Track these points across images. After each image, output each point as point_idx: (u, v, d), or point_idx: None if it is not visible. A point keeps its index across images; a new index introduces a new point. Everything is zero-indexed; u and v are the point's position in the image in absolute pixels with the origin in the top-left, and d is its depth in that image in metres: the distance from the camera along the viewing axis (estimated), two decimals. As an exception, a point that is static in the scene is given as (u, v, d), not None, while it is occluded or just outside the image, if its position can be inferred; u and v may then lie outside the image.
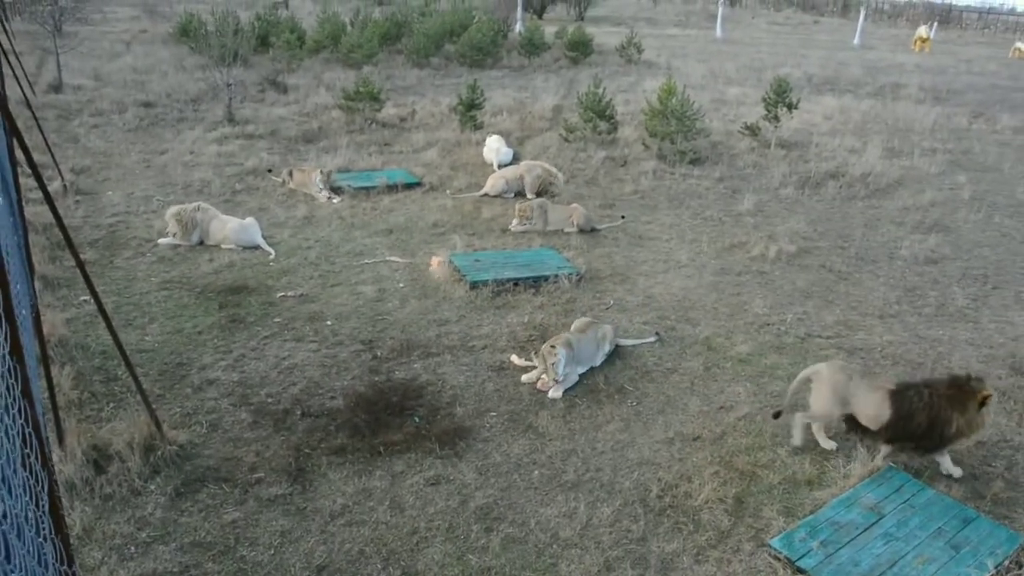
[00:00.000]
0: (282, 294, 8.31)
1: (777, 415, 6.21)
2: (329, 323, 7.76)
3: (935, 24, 52.78)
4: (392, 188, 11.95)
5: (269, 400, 6.39)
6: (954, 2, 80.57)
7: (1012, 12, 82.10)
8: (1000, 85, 28.68)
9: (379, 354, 7.22)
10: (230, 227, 9.58)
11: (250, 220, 9.83)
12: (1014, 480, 5.91)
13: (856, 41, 43.22)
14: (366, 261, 9.32)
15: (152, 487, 5.32)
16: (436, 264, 9.02)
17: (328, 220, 10.69)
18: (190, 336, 7.38)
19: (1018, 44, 44.46)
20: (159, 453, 5.53)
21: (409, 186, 12.15)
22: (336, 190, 11.67)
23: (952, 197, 13.33)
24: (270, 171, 12.53)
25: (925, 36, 43.46)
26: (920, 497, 5.51)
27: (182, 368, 6.83)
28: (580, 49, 27.37)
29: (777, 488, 5.64)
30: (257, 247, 9.55)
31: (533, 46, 26.82)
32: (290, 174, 11.88)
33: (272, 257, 9.32)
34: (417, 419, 6.22)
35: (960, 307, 9.02)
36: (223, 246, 9.51)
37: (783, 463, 5.91)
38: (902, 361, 7.59)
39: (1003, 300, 9.30)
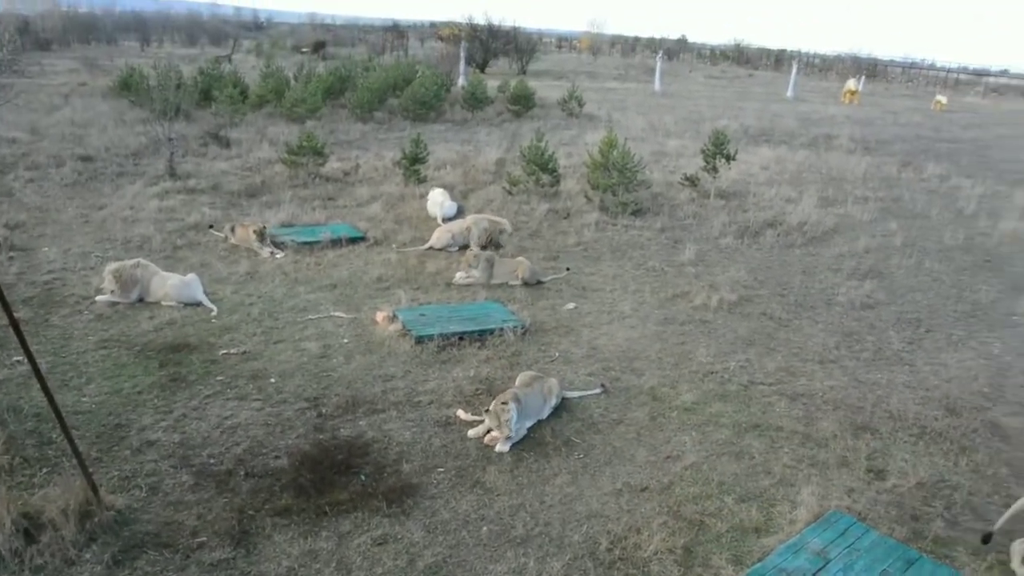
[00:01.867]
0: (224, 352, 8.21)
1: (987, 539, 5.71)
2: (273, 381, 7.67)
3: (863, 77, 54.67)
4: (336, 243, 11.93)
5: (211, 461, 6.28)
6: (879, 57, 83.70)
7: (932, 67, 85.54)
8: (924, 135, 29.79)
9: (324, 411, 7.15)
10: (171, 284, 9.46)
11: (191, 276, 9.73)
12: (953, 519, 6.06)
13: (789, 94, 44.60)
14: (310, 317, 9.26)
15: (88, 556, 5.16)
16: (381, 319, 9.01)
17: (271, 275, 10.62)
18: (129, 396, 7.24)
19: (939, 97, 46.32)
20: (95, 519, 5.37)
21: (353, 240, 12.14)
22: (279, 245, 11.61)
23: (885, 244, 13.75)
24: (211, 227, 12.43)
25: (854, 89, 45.05)
26: (865, 540, 5.60)
27: (120, 430, 6.68)
28: (522, 103, 27.78)
29: (725, 536, 5.69)
30: (199, 304, 9.43)
31: (476, 100, 27.15)
32: (232, 229, 11.79)
33: (214, 314, 9.21)
34: (363, 477, 6.17)
35: (896, 351, 9.26)
36: (164, 303, 9.37)
37: (730, 511, 5.97)
38: (842, 406, 7.75)
39: (936, 343, 9.58)
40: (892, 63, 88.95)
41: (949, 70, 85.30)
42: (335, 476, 6.15)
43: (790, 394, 7.96)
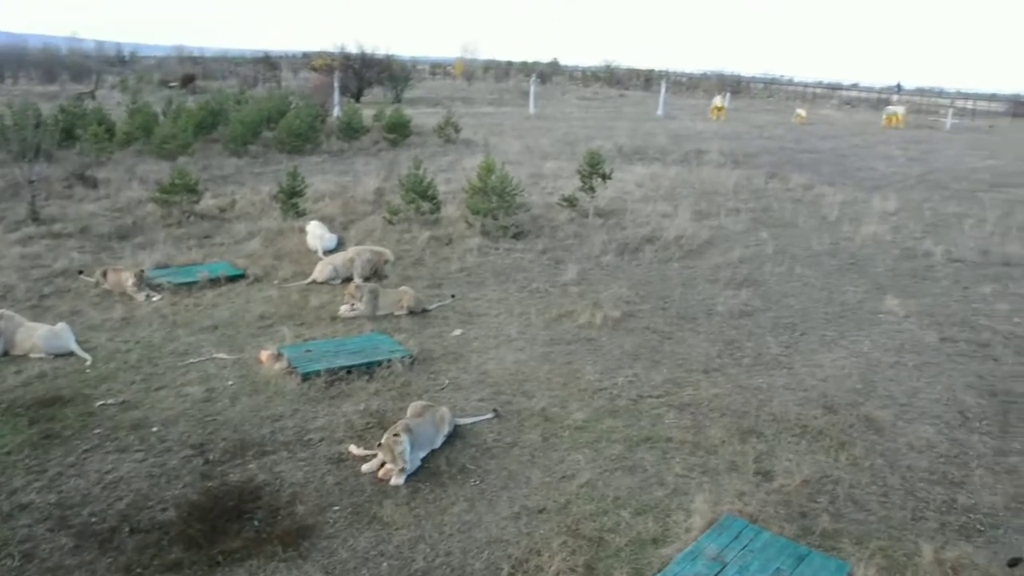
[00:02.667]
0: (102, 403, 7.86)
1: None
2: (155, 429, 7.39)
3: (728, 94, 56.92)
4: (215, 282, 11.61)
5: (93, 519, 5.99)
6: (742, 74, 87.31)
7: (791, 82, 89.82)
8: (788, 148, 31.20)
9: (211, 457, 6.93)
10: (39, 334, 9.01)
11: (61, 325, 9.29)
12: (838, 512, 6.32)
13: (660, 112, 46.03)
14: (192, 360, 8.97)
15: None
16: (266, 358, 8.81)
17: (148, 320, 10.25)
18: (-1, 457, 6.85)
19: (798, 110, 48.69)
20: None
21: (232, 279, 11.86)
22: (155, 287, 11.23)
23: (758, 253, 14.30)
24: (81, 272, 11.92)
25: (720, 105, 46.86)
26: (757, 541, 5.78)
27: (-10, 494, 6.31)
28: (399, 131, 27.76)
29: (624, 550, 5.77)
30: (71, 354, 9.01)
31: (352, 130, 26.99)
32: (104, 274, 11.34)
33: (88, 363, 8.82)
34: (257, 522, 6.00)
35: (775, 355, 9.63)
36: (32, 355, 8.92)
37: (628, 524, 6.07)
38: (728, 412, 7.99)
39: (811, 345, 10.00)
40: (754, 79, 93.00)
41: (806, 85, 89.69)
42: (227, 524, 5.96)
43: (678, 405, 8.16)
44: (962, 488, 6.77)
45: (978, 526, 6.23)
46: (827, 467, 7.01)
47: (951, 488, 6.76)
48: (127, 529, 5.87)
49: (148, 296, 10.96)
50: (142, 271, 11.36)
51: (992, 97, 73.69)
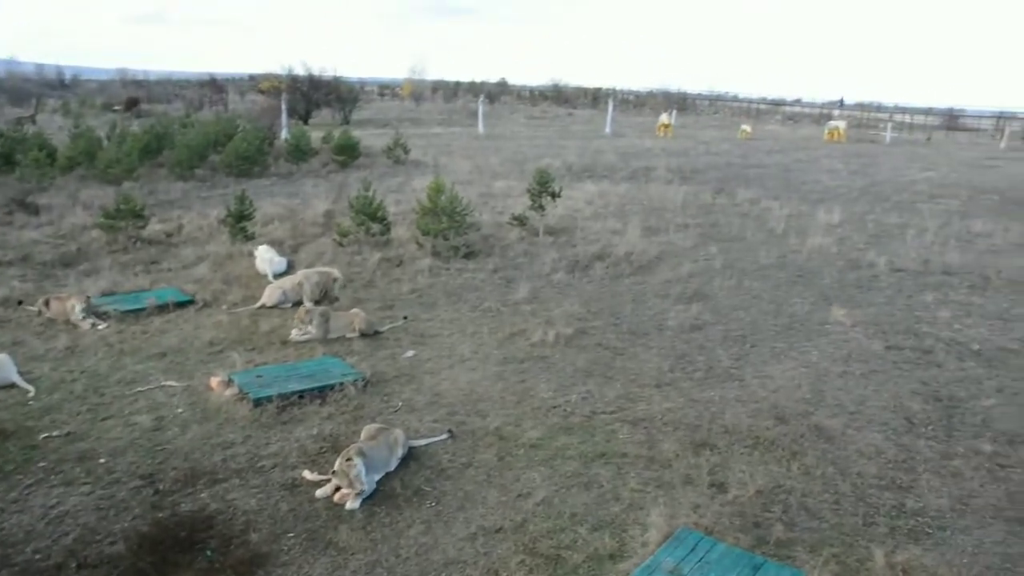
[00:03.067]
0: (46, 435, 7.68)
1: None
2: (103, 461, 7.23)
3: (675, 111, 57.66)
4: (163, 308, 11.43)
5: (37, 556, 5.83)
6: (688, 91, 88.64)
7: (736, 98, 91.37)
8: (734, 163, 31.69)
9: (161, 488, 6.80)
10: (-21, 366, 8.80)
11: (3, 356, 9.04)
12: (791, 521, 6.40)
13: (608, 130, 46.45)
14: (140, 389, 8.81)
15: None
16: (216, 384, 8.68)
17: (94, 348, 10.05)
18: (-61, 495, 6.65)
19: (744, 126, 49.51)
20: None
21: (181, 305, 11.69)
22: (101, 315, 11.02)
23: (707, 267, 14.47)
24: (20, 303, 11.64)
25: (667, 122, 47.47)
26: (713, 552, 5.83)
27: (-70, 533, 6.12)
28: (348, 153, 27.62)
29: (582, 567, 5.78)
30: (12, 385, 8.78)
31: (300, 152, 26.81)
32: (46, 303, 11.10)
33: (31, 395, 8.60)
34: (209, 553, 5.90)
35: (726, 368, 9.74)
36: (-28, 389, 8.70)
37: (585, 541, 6.08)
38: (681, 426, 8.06)
39: (761, 356, 10.14)
40: (700, 96, 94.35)
41: (751, 101, 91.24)
42: (178, 555, 5.85)
43: (631, 420, 8.21)
44: (910, 492, 6.90)
45: (926, 529, 6.36)
46: (780, 477, 7.10)
47: (900, 493, 6.89)
48: (74, 565, 5.73)
49: (94, 324, 10.75)
50: (88, 297, 11.15)
51: (928, 111, 75.60)
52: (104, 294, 12.13)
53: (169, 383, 8.96)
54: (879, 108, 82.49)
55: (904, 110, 76.77)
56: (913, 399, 8.87)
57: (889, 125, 54.84)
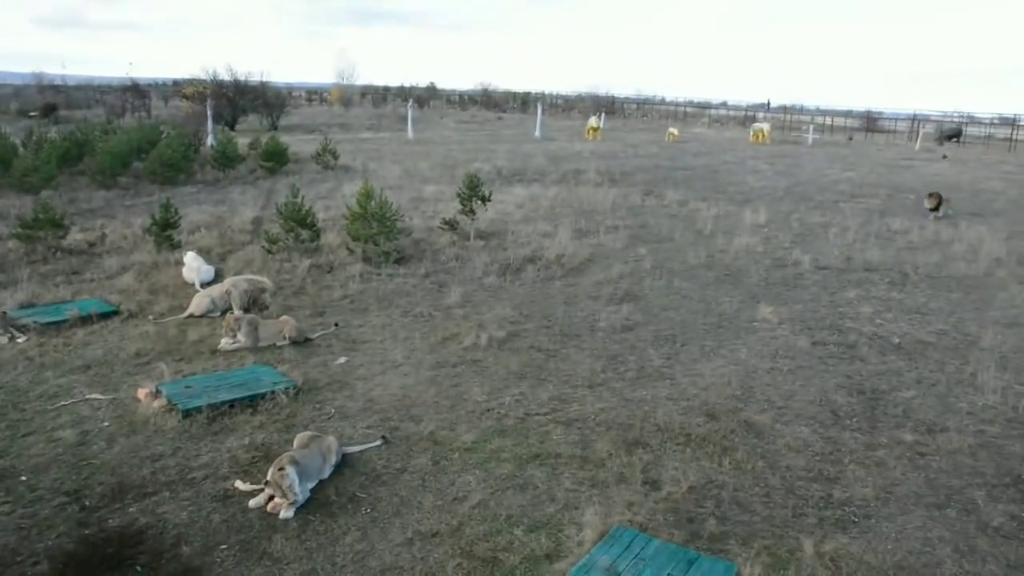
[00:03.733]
0: (-36, 453, 7.42)
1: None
2: (24, 478, 7.00)
3: (603, 114, 58.24)
4: (86, 320, 11.12)
5: (-43, 578, 5.65)
6: (616, 94, 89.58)
7: (663, 102, 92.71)
8: (662, 165, 32.15)
9: (87, 503, 6.62)
10: None
11: (-83, 374, 8.74)
12: (723, 516, 6.52)
13: (537, 134, 46.69)
14: (63, 403, 8.55)
15: None
16: (143, 396, 8.49)
17: (13, 363, 9.72)
18: None
19: (671, 129, 50.25)
20: None
21: (105, 315, 11.38)
22: (20, 328, 10.67)
23: (637, 268, 14.65)
24: (-63, 316, 11.22)
25: (596, 126, 47.91)
26: (648, 549, 5.91)
27: None
28: (276, 159, 27.26)
29: (519, 568, 5.80)
30: (-72, 403, 8.48)
31: (227, 159, 26.37)
32: (-38, 317, 10.72)
33: (-52, 412, 8.31)
34: (139, 568, 5.76)
35: (657, 367, 9.86)
36: None
37: (521, 542, 6.10)
38: (614, 425, 8.13)
39: (691, 355, 10.30)
40: (628, 100, 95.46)
41: (678, 104, 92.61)
42: (106, 572, 5.70)
43: (565, 421, 8.26)
44: (837, 483, 7.09)
45: (852, 518, 6.54)
46: (712, 472, 7.22)
47: (827, 484, 7.07)
48: (-4, 585, 5.55)
49: (12, 338, 10.41)
50: (4, 312, 10.79)
51: (848, 113, 77.78)
52: (23, 306, 11.75)
53: (94, 396, 8.72)
54: (801, 110, 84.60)
55: (825, 112, 78.87)
56: (838, 392, 9.11)
57: (811, 127, 56.23)
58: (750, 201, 22.72)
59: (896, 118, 72.14)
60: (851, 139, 56.43)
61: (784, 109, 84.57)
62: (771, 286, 13.70)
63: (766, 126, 51.74)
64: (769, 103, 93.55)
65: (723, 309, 12.28)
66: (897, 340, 10.98)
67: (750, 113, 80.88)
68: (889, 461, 7.52)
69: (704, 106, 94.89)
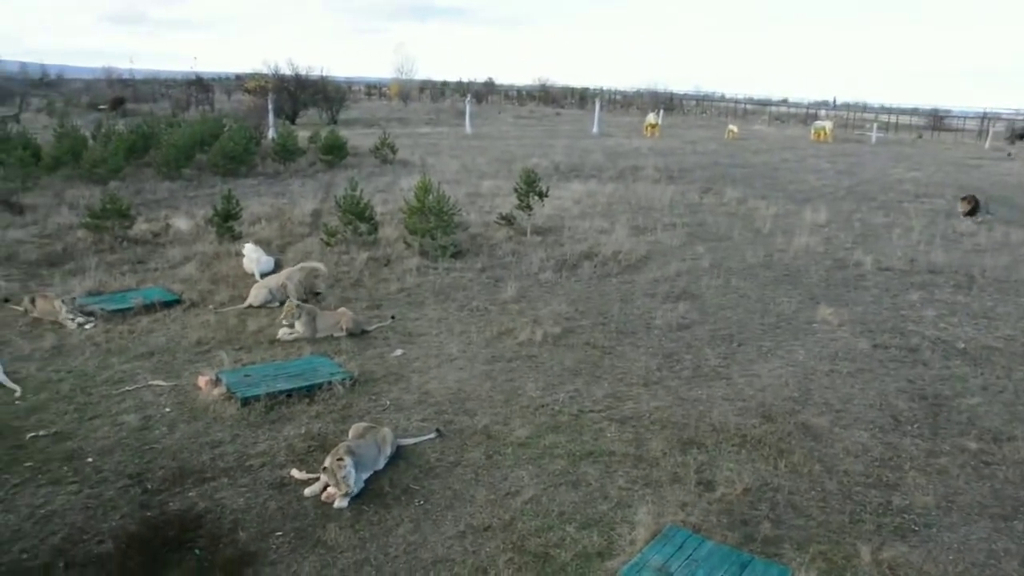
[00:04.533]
0: (33, 434, 7.64)
1: None
2: (90, 460, 7.21)
3: (662, 111, 57.76)
4: (150, 308, 11.38)
5: (24, 556, 5.81)
6: (675, 91, 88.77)
7: (722, 98, 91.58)
8: (721, 162, 31.78)
9: (149, 487, 6.79)
10: (-35, 367, 8.75)
11: (-11, 357, 9.04)
12: (778, 519, 6.44)
13: (595, 130, 46.45)
14: (127, 388, 8.78)
15: None
16: (204, 384, 8.66)
17: (81, 348, 10.00)
18: (-77, 495, 6.61)
19: (731, 126, 49.65)
20: None
21: (168, 304, 11.64)
22: (88, 314, 10.96)
23: (694, 266, 14.52)
24: (7, 300, 11.58)
25: (654, 122, 47.51)
26: (701, 550, 5.86)
27: (-86, 535, 6.08)
28: (335, 152, 27.55)
29: (570, 565, 5.80)
30: (-1, 385, 8.77)
31: (287, 152, 26.73)
32: (32, 301, 11.05)
33: (18, 395, 8.56)
34: (198, 552, 5.89)
35: (713, 367, 9.77)
36: (-42, 388, 8.65)
37: (573, 539, 6.10)
38: (669, 424, 8.09)
39: (748, 356, 10.18)
40: (687, 96, 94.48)
41: (737, 101, 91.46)
42: (167, 554, 5.84)
43: (619, 418, 8.23)
44: (896, 490, 6.95)
45: (912, 526, 6.41)
46: (767, 475, 7.14)
47: (886, 490, 6.94)
48: (62, 564, 5.71)
49: (81, 324, 10.69)
50: (73, 297, 11.10)
51: (914, 111, 76.06)
52: (90, 294, 12.07)
53: (156, 382, 8.93)
54: (865, 108, 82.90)
55: (890, 110, 77.17)
56: (899, 397, 8.93)
57: (875, 125, 55.14)
58: (810, 200, 22.35)
59: (965, 116, 70.36)
60: (920, 137, 55.19)
61: (847, 107, 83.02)
62: (831, 287, 13.47)
63: (828, 124, 50.84)
64: (835, 100, 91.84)
65: (781, 309, 12.12)
66: (962, 345, 10.72)
67: (812, 111, 79.53)
68: (952, 469, 7.35)
69: (764, 103, 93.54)
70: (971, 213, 20.24)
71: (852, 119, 69.75)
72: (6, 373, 8.95)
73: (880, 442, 7.84)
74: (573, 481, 6.98)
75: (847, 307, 12.22)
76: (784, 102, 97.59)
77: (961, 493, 6.95)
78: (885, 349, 10.50)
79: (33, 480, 6.86)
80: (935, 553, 6.04)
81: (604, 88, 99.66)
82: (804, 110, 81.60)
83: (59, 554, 5.84)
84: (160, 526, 6.18)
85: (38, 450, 7.38)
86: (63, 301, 10.83)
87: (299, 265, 12.63)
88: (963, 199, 20.91)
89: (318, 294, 11.95)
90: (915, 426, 8.24)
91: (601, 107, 53.78)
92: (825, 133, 48.39)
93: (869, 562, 5.83)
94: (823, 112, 76.32)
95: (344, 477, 6.46)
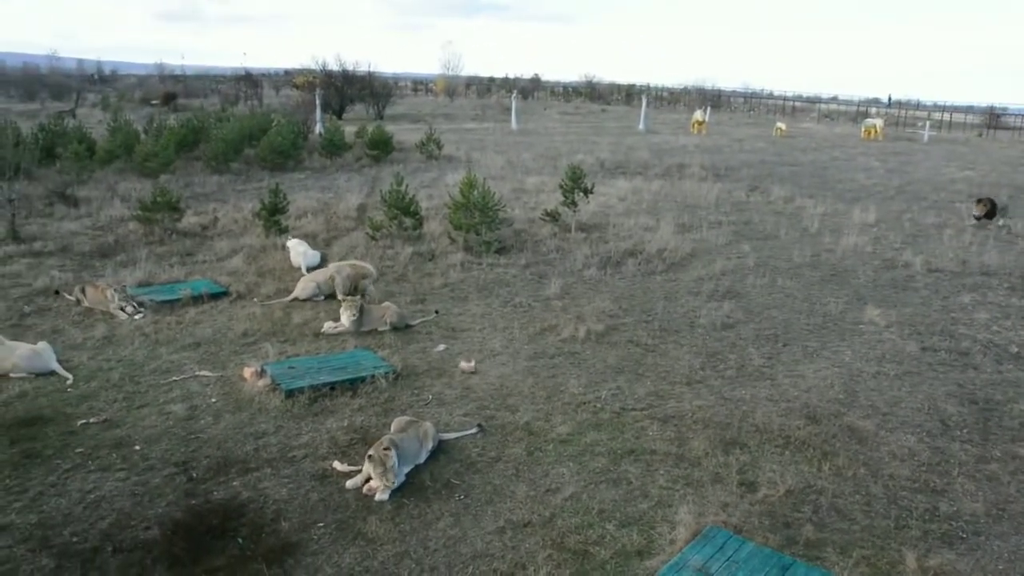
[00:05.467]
0: (83, 421, 7.82)
1: None
2: (138, 448, 7.35)
3: (709, 108, 57.25)
4: (197, 299, 11.57)
5: (75, 539, 5.95)
6: (722, 88, 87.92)
7: (771, 95, 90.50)
8: (768, 160, 31.39)
9: (194, 475, 6.90)
10: (19, 354, 8.95)
11: (43, 344, 9.24)
12: (821, 522, 6.36)
13: (641, 126, 46.17)
14: (174, 378, 8.93)
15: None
16: (249, 375, 8.78)
17: (130, 338, 10.20)
18: (-22, 479, 6.79)
19: (779, 124, 49.01)
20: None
21: (215, 296, 11.82)
22: (138, 305, 11.17)
23: (739, 265, 14.37)
24: (57, 292, 11.82)
25: (701, 119, 47.08)
26: (742, 552, 5.81)
27: (-30, 516, 6.24)
28: (381, 147, 27.74)
29: (610, 563, 5.79)
30: (52, 373, 8.96)
31: (334, 146, 26.97)
32: (83, 291, 11.28)
33: (70, 382, 8.76)
34: (241, 540, 5.98)
35: (757, 367, 9.67)
36: (12, 375, 8.85)
37: (612, 537, 6.09)
38: (711, 424, 8.02)
39: (793, 356, 10.06)
40: (735, 93, 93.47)
41: (786, 98, 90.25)
42: (211, 542, 5.94)
43: (661, 417, 8.19)
44: (944, 496, 6.82)
45: (960, 533, 6.29)
46: (810, 477, 7.05)
47: (933, 496, 6.81)
48: (110, 549, 5.84)
49: (131, 314, 10.88)
50: (124, 287, 11.31)
51: (969, 109, 74.45)
52: (140, 284, 12.30)
53: (203, 373, 9.08)
54: (917, 106, 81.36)
55: (943, 108, 75.64)
56: (948, 401, 8.77)
57: (927, 123, 54.09)
58: (859, 199, 21.99)
59: (1022, 114, 68.67)
60: (980, 135, 54.03)
61: (898, 104, 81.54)
62: (879, 288, 13.25)
63: (879, 122, 49.94)
64: (889, 98, 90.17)
65: (828, 310, 11.94)
66: (1015, 349, 10.48)
67: (862, 108, 78.27)
68: (1003, 476, 7.20)
69: (814, 100, 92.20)
70: (987, 216, 19.18)
71: (903, 117, 68.48)
72: (59, 361, 9.16)
73: (928, 446, 7.70)
74: (614, 479, 6.96)
75: (895, 308, 12.01)
76: (834, 99, 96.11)
77: (1012, 501, 6.80)
78: (934, 352, 10.31)
79: (83, 466, 7.01)
80: (984, 562, 5.92)
81: (651, 85, 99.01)
82: (854, 107, 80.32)
83: (107, 538, 5.97)
84: (204, 514, 6.29)
85: (89, 437, 7.54)
86: (115, 290, 11.04)
87: (349, 261, 12.74)
88: (978, 201, 19.75)
89: (363, 292, 12.04)
90: (964, 431, 8.07)
91: (648, 104, 53.43)
92: (876, 131, 47.56)
93: (915, 568, 5.73)
94: (873, 110, 75.07)
95: (392, 467, 6.51)
